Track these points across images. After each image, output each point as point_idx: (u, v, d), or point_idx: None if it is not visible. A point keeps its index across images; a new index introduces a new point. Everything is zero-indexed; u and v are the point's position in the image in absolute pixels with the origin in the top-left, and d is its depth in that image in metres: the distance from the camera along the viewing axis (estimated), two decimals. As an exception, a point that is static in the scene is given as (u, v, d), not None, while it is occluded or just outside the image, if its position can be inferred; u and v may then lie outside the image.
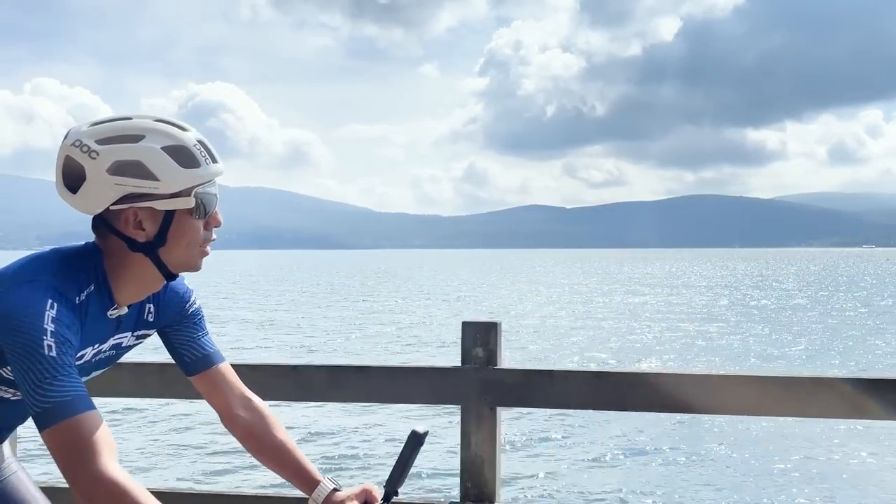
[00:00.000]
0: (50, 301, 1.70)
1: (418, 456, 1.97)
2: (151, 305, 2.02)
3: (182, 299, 2.07)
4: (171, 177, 1.76)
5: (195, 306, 2.11)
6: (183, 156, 1.78)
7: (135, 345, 2.06)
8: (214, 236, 1.91)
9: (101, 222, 1.83)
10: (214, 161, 1.84)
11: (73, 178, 1.78)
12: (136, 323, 1.99)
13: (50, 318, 1.69)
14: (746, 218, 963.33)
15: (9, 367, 1.76)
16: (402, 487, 2.00)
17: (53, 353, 1.66)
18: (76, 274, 1.80)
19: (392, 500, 1.99)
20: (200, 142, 1.83)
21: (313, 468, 2.08)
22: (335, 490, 2.03)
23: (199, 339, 2.10)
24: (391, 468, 1.96)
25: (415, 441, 1.94)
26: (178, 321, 2.07)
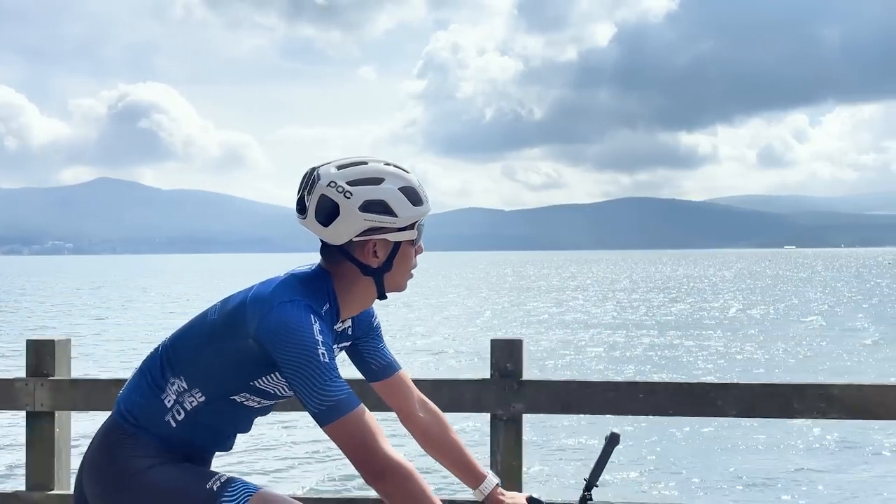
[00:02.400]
0: (312, 316, 2.05)
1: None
2: (350, 320, 2.36)
3: (369, 314, 2.43)
4: (405, 213, 2.17)
5: (377, 320, 2.47)
6: (412, 195, 2.19)
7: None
8: (417, 262, 2.29)
9: (337, 250, 2.19)
10: (427, 199, 2.23)
11: (326, 214, 2.15)
12: (341, 336, 2.33)
13: (318, 331, 2.03)
14: (679, 220, 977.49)
15: (264, 378, 2.14)
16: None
17: (327, 360, 2.02)
18: (316, 294, 2.15)
19: (590, 493, 2.27)
20: (419, 182, 2.22)
21: (480, 465, 2.45)
22: (498, 485, 2.43)
23: (382, 348, 2.47)
24: (591, 467, 2.22)
25: (613, 441, 2.18)
26: (366, 333, 2.44)
